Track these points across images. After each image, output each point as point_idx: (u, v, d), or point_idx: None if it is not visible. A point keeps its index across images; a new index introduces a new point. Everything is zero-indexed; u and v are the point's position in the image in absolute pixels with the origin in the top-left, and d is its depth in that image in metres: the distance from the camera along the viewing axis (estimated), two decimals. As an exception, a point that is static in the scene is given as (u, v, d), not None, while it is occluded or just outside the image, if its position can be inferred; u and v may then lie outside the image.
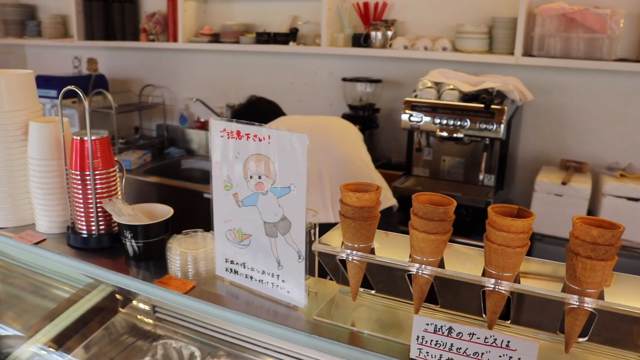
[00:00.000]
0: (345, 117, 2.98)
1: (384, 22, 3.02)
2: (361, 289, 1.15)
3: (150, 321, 1.59)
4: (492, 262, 0.94)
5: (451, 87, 2.59)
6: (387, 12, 3.07)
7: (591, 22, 2.64)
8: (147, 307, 1.60)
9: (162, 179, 3.14)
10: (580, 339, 0.97)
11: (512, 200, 2.84)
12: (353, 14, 3.13)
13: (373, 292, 1.16)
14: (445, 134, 2.54)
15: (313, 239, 1.11)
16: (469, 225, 2.46)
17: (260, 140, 1.11)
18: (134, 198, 1.57)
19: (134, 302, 1.60)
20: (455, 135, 2.52)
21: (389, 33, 2.99)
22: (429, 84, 2.64)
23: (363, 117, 3.00)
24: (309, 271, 1.12)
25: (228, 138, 1.16)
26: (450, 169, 2.73)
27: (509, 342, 0.89)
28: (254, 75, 3.51)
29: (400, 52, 2.93)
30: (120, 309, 1.60)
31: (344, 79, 3.02)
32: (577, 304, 0.89)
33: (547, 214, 2.47)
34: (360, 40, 3.00)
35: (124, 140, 3.54)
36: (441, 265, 1.01)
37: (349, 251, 1.04)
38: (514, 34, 2.69)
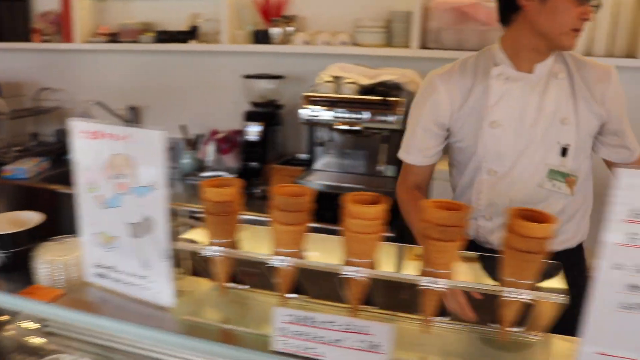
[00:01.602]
0: (248, 114, 2.96)
1: (284, 18, 3.01)
2: (239, 285, 1.14)
3: (39, 337, 1.51)
4: (349, 250, 0.95)
5: (350, 80, 2.61)
6: (287, 8, 3.06)
7: (482, 15, 2.74)
8: (34, 323, 1.52)
9: (60, 187, 3.00)
10: (439, 318, 0.99)
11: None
12: (253, 11, 3.10)
13: (242, 287, 1.15)
14: (344, 127, 2.56)
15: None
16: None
17: (118, 139, 1.07)
18: (20, 208, 1.49)
19: (21, 319, 1.52)
20: (354, 128, 2.55)
21: (290, 29, 2.99)
22: (328, 78, 2.65)
23: (266, 113, 2.98)
24: (192, 271, 1.10)
25: (88, 138, 1.11)
26: (352, 161, 2.76)
27: (366, 327, 0.90)
28: (156, 75, 3.43)
29: (300, 48, 2.93)
30: (6, 328, 1.51)
31: (246, 76, 2.99)
32: (428, 285, 0.91)
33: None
34: (261, 37, 2.98)
35: (19, 148, 3.37)
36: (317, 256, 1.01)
37: (206, 247, 1.02)
38: (411, 27, 2.75)
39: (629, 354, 0.86)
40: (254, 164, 2.99)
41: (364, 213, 0.90)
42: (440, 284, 0.90)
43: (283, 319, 0.93)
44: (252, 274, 1.11)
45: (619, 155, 1.62)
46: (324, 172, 2.78)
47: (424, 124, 1.69)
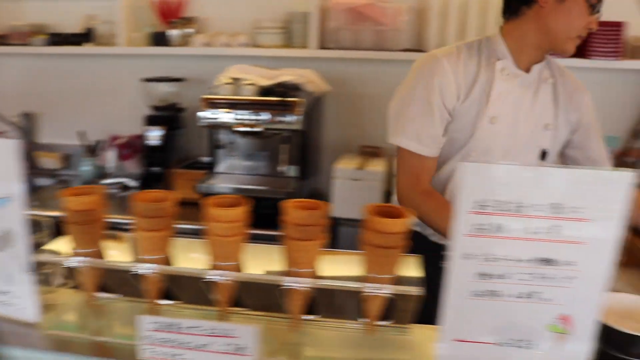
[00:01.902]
0: (149, 118, 2.88)
1: (183, 19, 2.96)
2: (108, 295, 1.10)
3: None
4: (214, 253, 0.94)
5: (249, 81, 2.61)
6: (186, 9, 3.01)
7: (378, 15, 2.80)
8: None
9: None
10: (310, 316, 1.00)
11: (319, 189, 2.93)
12: (151, 12, 3.03)
13: (112, 296, 1.11)
14: (244, 128, 2.55)
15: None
16: (272, 217, 2.49)
17: (-29, 148, 1.01)
18: None
19: None
20: (254, 129, 2.54)
21: (189, 30, 2.94)
22: (227, 80, 2.63)
23: (167, 117, 2.92)
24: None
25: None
26: (254, 163, 2.75)
27: (230, 330, 0.90)
28: (50, 79, 3.27)
29: (200, 50, 2.89)
30: None
31: (145, 80, 2.92)
32: (291, 285, 0.92)
33: (348, 199, 2.58)
34: (159, 39, 2.92)
35: None
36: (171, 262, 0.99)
37: (70, 258, 0.99)
38: (309, 28, 2.77)
39: (483, 338, 0.91)
40: (155, 169, 2.93)
41: (224, 216, 0.89)
42: (303, 283, 0.91)
43: (148, 326, 0.91)
44: (123, 282, 1.09)
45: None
46: (227, 175, 2.76)
47: (438, 107, 1.52)
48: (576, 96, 1.64)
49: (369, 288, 0.90)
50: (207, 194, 2.43)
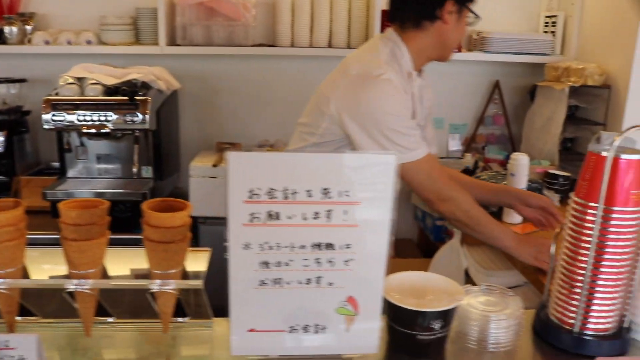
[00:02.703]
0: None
1: (20, 15, 2.76)
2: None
3: None
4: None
5: (94, 81, 2.49)
6: (24, 5, 2.82)
7: (228, 10, 2.77)
8: None
9: None
10: (110, 319, 0.97)
11: (181, 189, 2.87)
12: (-16, 8, 2.81)
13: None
14: (92, 130, 2.43)
15: None
16: (129, 220, 2.40)
17: None
18: None
19: None
20: (103, 130, 2.43)
21: (28, 27, 2.76)
22: (71, 80, 2.49)
23: (9, 121, 2.72)
24: None
25: None
26: (107, 166, 2.63)
27: (5, 341, 0.84)
28: None
29: (41, 48, 2.72)
30: None
31: (-20, 81, 2.71)
32: (75, 287, 0.87)
33: (206, 197, 2.54)
34: (-5, 37, 2.72)
35: None
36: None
37: None
38: (158, 24, 2.69)
39: (275, 326, 0.91)
40: (0, 177, 2.72)
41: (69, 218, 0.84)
42: (85, 285, 0.87)
43: None
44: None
45: None
46: (78, 180, 2.62)
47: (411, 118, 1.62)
48: (427, 90, 1.77)
49: (153, 285, 0.87)
50: (57, 201, 2.30)
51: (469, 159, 2.74)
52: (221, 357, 0.93)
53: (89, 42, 2.73)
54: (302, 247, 0.86)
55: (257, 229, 0.84)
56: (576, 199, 0.99)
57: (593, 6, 2.71)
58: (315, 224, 0.84)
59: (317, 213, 0.84)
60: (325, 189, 0.83)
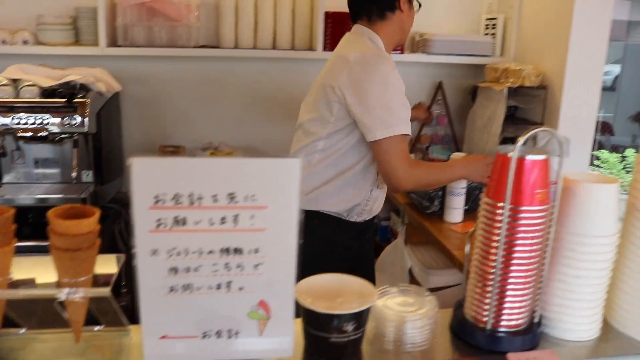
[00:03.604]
0: None
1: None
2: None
3: None
4: None
5: (29, 83, 2.42)
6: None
7: (170, 11, 2.74)
8: None
9: None
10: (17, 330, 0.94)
11: (125, 193, 2.81)
12: None
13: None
14: (29, 134, 2.37)
15: None
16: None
17: None
18: None
19: None
20: (40, 134, 2.38)
21: (-41, 27, 2.67)
22: (5, 81, 2.42)
23: (-58, 124, 2.63)
24: None
25: None
26: (45, 170, 2.57)
27: None
28: None
29: (-26, 49, 2.64)
30: None
31: None
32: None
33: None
34: None
35: None
36: None
37: None
38: (98, 24, 2.64)
39: (186, 332, 0.90)
40: None
41: None
42: (-13, 296, 0.85)
43: None
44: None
45: None
46: (14, 186, 2.55)
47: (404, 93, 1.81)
48: None
49: (61, 293, 0.86)
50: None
51: (411, 159, 2.77)
52: (135, 365, 0.92)
53: (25, 42, 2.65)
54: (211, 252, 0.86)
55: (164, 235, 0.84)
56: (486, 199, 1.02)
57: (530, 8, 2.78)
58: (223, 229, 0.84)
59: (223, 218, 0.84)
60: (231, 194, 0.83)
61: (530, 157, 0.95)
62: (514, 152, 0.95)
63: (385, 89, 1.74)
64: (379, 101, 1.73)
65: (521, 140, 0.94)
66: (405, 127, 1.75)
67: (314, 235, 1.84)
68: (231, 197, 0.83)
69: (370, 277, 1.88)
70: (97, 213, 0.88)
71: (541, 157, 0.96)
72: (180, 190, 0.82)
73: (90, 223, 0.85)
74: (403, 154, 1.76)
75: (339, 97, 1.78)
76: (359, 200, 1.90)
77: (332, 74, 1.83)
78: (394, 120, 1.72)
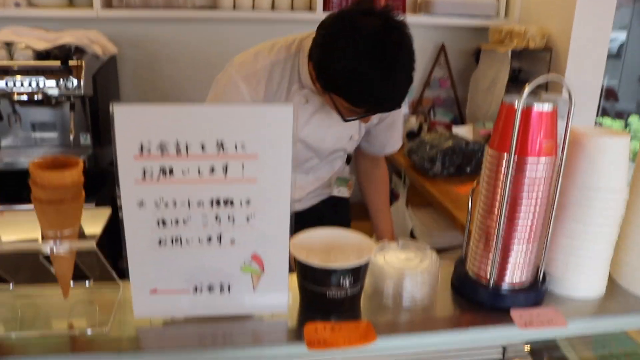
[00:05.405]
0: None
1: (-57, -23, 2.61)
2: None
3: None
4: None
5: (24, 45, 2.37)
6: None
7: (166, -29, 2.66)
8: None
9: None
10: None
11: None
12: None
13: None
14: (24, 97, 2.33)
15: None
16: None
17: None
18: None
19: None
20: (36, 97, 2.33)
21: (-48, -10, 2.61)
22: (-2, 45, 2.37)
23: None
24: None
25: None
26: (42, 134, 2.54)
27: None
28: None
29: (-32, 12, 2.58)
30: None
31: None
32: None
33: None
34: None
35: None
36: None
37: None
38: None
39: (177, 286, 0.87)
40: None
41: None
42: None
43: None
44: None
45: None
46: (13, 149, 2.52)
47: None
48: None
49: (44, 247, 0.82)
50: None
51: (413, 123, 2.72)
52: (125, 322, 0.89)
53: (17, 5, 2.60)
54: (200, 203, 0.82)
55: (150, 185, 0.80)
56: (490, 150, 0.97)
57: (537, -33, 2.70)
58: (212, 179, 0.81)
59: (212, 167, 0.80)
60: (219, 142, 0.79)
61: (537, 106, 0.91)
62: (520, 101, 0.90)
63: None
64: None
65: (528, 88, 0.89)
66: None
67: None
68: (220, 145, 0.79)
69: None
70: (80, 163, 0.84)
71: (548, 105, 0.91)
72: (166, 137, 0.78)
73: (74, 174, 0.81)
74: None
75: None
76: None
77: None
78: None
